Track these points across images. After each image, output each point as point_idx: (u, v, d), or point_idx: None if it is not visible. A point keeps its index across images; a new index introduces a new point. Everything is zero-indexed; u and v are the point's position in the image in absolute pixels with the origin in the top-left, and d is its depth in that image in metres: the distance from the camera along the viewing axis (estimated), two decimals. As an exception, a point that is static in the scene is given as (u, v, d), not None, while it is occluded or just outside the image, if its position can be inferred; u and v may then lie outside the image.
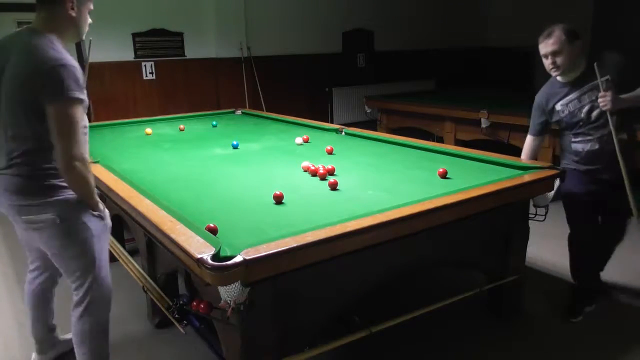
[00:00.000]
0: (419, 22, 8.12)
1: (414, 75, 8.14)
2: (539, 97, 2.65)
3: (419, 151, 3.06)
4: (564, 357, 2.38)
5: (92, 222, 1.90)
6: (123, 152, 3.24)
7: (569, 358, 2.37)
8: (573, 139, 2.56)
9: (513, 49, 8.26)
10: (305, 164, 2.65)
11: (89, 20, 1.88)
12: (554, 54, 2.42)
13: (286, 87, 6.90)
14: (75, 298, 1.97)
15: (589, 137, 2.49)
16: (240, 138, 3.48)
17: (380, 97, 6.08)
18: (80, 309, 1.96)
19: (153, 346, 2.54)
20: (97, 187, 2.60)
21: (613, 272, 2.93)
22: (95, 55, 5.57)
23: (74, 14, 1.78)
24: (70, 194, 1.83)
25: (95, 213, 1.90)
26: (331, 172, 2.53)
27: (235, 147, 3.28)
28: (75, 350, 1.97)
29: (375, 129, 5.25)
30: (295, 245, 1.58)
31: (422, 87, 7.77)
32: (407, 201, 1.98)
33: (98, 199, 1.92)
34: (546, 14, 7.74)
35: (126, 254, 2.75)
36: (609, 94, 2.33)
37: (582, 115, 2.47)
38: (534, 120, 2.69)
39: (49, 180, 1.80)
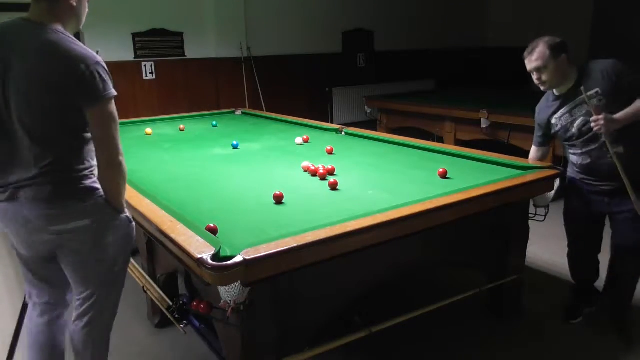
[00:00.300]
0: (419, 22, 8.12)
1: (414, 75, 8.14)
2: (537, 111, 2.58)
3: (419, 151, 3.06)
4: (564, 357, 2.38)
5: (121, 224, 1.78)
6: (123, 152, 3.23)
7: (569, 358, 2.37)
8: (569, 151, 2.48)
9: (513, 49, 8.25)
10: (305, 164, 2.65)
11: (87, 10, 1.79)
12: (539, 70, 2.32)
13: (286, 87, 6.90)
14: (82, 308, 1.82)
15: (580, 151, 2.40)
16: (240, 138, 3.48)
17: (380, 97, 6.09)
18: (86, 319, 1.82)
19: (153, 346, 2.54)
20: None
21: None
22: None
23: (75, 4, 1.70)
24: (100, 195, 1.71)
25: (124, 215, 1.79)
26: (331, 172, 2.53)
27: (235, 147, 3.28)
28: (75, 355, 1.90)
29: (375, 129, 5.25)
30: (295, 245, 1.58)
31: (422, 87, 7.76)
32: (407, 201, 1.98)
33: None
34: (546, 14, 7.75)
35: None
36: (601, 117, 2.18)
37: (574, 129, 2.37)
38: (535, 133, 2.62)
39: (82, 182, 1.67)
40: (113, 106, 1.66)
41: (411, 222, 1.87)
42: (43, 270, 1.86)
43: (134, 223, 1.86)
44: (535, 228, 2.65)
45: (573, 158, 2.46)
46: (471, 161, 2.75)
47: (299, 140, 3.38)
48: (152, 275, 2.44)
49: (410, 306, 2.19)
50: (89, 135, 1.68)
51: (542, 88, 2.42)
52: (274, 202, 2.12)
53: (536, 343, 2.47)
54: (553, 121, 2.45)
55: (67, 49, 1.59)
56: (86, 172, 1.69)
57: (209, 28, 6.28)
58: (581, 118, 2.33)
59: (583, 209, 2.50)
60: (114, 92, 1.66)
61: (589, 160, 2.38)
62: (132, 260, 2.62)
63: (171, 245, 1.69)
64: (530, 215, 2.55)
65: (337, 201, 2.15)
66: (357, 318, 2.07)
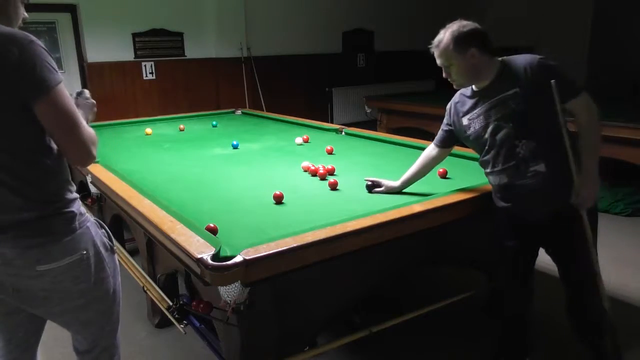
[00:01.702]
0: (419, 22, 8.12)
1: (414, 75, 8.14)
2: (449, 106, 2.11)
3: (419, 151, 3.04)
4: (564, 357, 2.37)
5: (106, 245, 1.54)
6: (123, 152, 3.24)
7: (569, 358, 2.37)
8: (486, 169, 2.01)
9: (513, 49, 8.26)
10: (305, 164, 2.65)
11: (23, 13, 1.43)
12: (445, 67, 1.92)
13: (286, 87, 6.90)
14: (89, 350, 1.61)
15: (497, 168, 1.92)
16: (240, 138, 3.48)
17: (380, 97, 6.09)
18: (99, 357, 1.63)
19: (153, 346, 2.54)
20: (97, 187, 2.60)
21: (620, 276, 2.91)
22: (95, 55, 5.59)
23: None
24: (86, 220, 1.46)
25: (108, 246, 1.55)
26: (331, 172, 2.53)
27: (235, 147, 3.28)
28: None
29: (375, 129, 5.25)
30: (295, 245, 1.58)
31: (422, 87, 7.77)
32: (407, 201, 1.98)
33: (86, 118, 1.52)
34: (546, 14, 7.75)
35: (126, 254, 2.75)
36: (585, 193, 1.78)
37: (487, 135, 1.91)
38: (441, 128, 2.17)
39: (69, 206, 1.40)
40: (64, 95, 1.31)
41: (411, 222, 1.87)
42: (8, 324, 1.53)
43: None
44: (535, 228, 2.65)
45: (490, 179, 2.01)
46: (471, 161, 2.75)
47: (299, 140, 3.38)
48: (152, 275, 2.43)
49: (409, 306, 2.19)
50: (54, 145, 1.38)
51: (454, 86, 1.99)
52: (274, 202, 2.11)
53: (535, 344, 2.46)
54: (465, 122, 2.00)
55: None
56: (71, 197, 1.43)
57: (209, 28, 6.28)
58: (495, 123, 1.88)
59: (509, 244, 2.04)
60: (60, 77, 1.31)
61: (505, 181, 1.92)
62: (132, 260, 2.63)
63: (171, 245, 1.69)
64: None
65: (337, 201, 2.15)
66: (357, 318, 2.07)
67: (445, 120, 2.14)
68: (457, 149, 3.04)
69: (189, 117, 4.71)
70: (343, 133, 3.70)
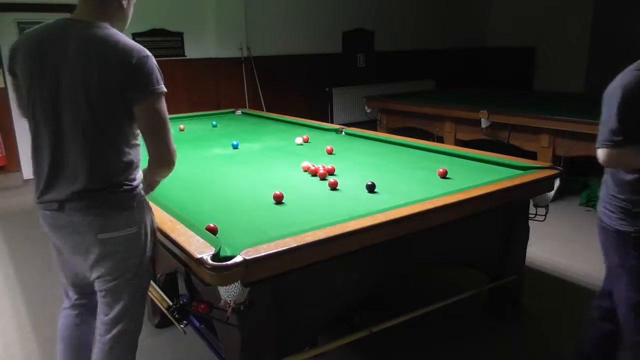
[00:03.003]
0: (419, 22, 8.12)
1: (414, 75, 8.15)
2: (629, 81, 1.64)
3: (419, 151, 3.06)
4: (563, 357, 2.38)
5: (153, 230, 1.72)
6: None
7: (569, 358, 2.37)
8: None
9: (513, 49, 8.28)
10: (305, 164, 2.65)
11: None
12: None
13: (286, 87, 6.90)
14: (113, 328, 1.69)
15: None
16: (240, 138, 3.48)
17: (380, 97, 6.10)
18: (116, 340, 1.70)
19: (153, 346, 2.54)
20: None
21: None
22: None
23: (125, 5, 1.63)
24: (143, 202, 1.65)
25: (155, 229, 1.74)
26: (331, 172, 2.53)
27: (235, 147, 3.28)
28: None
29: (375, 129, 5.26)
30: (295, 245, 1.58)
31: (422, 87, 7.77)
32: (407, 201, 1.98)
33: None
34: (546, 14, 7.75)
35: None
36: None
37: None
38: (619, 125, 1.65)
39: (135, 189, 1.62)
40: (163, 103, 1.58)
41: (411, 222, 1.87)
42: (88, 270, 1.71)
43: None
44: (535, 228, 2.65)
45: None
46: (471, 161, 2.75)
47: (299, 140, 3.38)
48: (152, 275, 2.43)
49: (409, 306, 2.19)
50: (136, 141, 1.65)
51: None
52: (274, 202, 2.12)
53: (535, 343, 2.47)
54: None
55: (117, 42, 1.52)
56: (135, 183, 1.63)
57: (209, 28, 6.28)
58: None
59: None
60: (164, 88, 1.58)
61: None
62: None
63: (171, 245, 1.69)
64: (530, 215, 2.54)
65: (337, 201, 2.15)
66: (356, 318, 2.07)
67: (623, 121, 1.65)
68: (456, 149, 3.05)
69: (189, 117, 4.72)
70: (343, 133, 3.70)
